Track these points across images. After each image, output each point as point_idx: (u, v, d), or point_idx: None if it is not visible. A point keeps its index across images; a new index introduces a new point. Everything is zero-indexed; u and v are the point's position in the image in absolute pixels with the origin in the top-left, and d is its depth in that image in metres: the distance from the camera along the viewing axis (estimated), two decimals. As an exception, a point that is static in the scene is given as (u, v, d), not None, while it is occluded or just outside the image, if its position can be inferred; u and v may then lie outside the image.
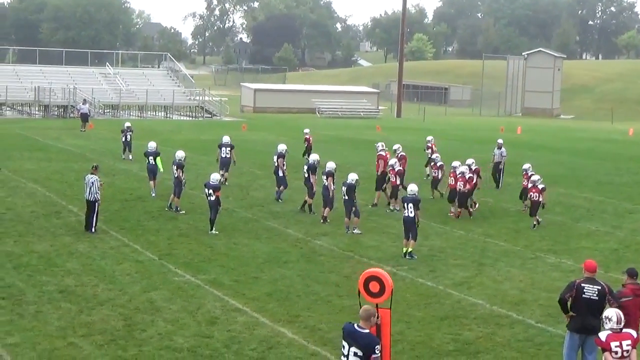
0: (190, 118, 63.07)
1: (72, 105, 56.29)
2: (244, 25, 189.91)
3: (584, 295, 10.95)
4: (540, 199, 21.92)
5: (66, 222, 20.70)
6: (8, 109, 59.37)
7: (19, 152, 34.53)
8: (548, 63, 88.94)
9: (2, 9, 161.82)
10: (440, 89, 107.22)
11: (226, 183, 26.49)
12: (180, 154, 22.96)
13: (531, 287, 16.12)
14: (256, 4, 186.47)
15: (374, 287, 9.50)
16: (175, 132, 47.62)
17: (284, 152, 25.37)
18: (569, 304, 11.08)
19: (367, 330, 8.36)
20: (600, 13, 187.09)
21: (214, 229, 19.92)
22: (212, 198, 19.76)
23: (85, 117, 47.00)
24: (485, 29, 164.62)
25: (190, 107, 64.62)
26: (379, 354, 8.26)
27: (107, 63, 70.35)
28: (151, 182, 25.00)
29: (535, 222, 22.01)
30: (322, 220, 21.58)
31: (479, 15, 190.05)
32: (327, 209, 21.59)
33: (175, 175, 22.57)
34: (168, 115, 62.88)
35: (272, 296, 14.83)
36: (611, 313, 9.70)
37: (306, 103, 73.96)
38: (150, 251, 17.93)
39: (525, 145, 45.53)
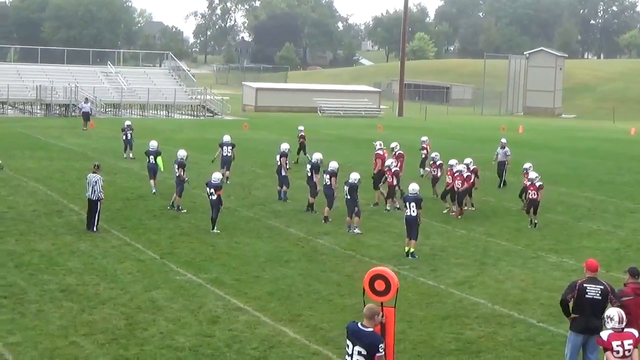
0: (192, 117, 63.01)
1: (73, 104, 56.17)
2: (246, 24, 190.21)
3: (587, 296, 10.90)
4: (537, 197, 21.89)
5: (68, 221, 20.70)
6: (10, 107, 59.23)
7: (20, 150, 34.50)
8: (550, 62, 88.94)
9: (4, 7, 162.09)
10: (441, 88, 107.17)
11: (228, 182, 26.50)
12: (182, 153, 22.98)
13: (533, 286, 16.10)
14: (258, 3, 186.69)
15: (380, 285, 9.50)
16: (176, 131, 47.56)
17: (286, 151, 25.38)
18: (570, 305, 11.04)
19: (371, 329, 8.34)
20: (602, 12, 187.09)
21: (215, 227, 19.92)
22: (214, 197, 19.76)
23: (86, 116, 46.99)
24: (486, 28, 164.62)
25: (191, 106, 64.58)
26: (383, 353, 8.24)
27: (109, 62, 70.24)
28: (151, 181, 25.05)
29: (533, 221, 21.90)
30: (323, 220, 21.58)
31: (480, 14, 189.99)
32: (327, 208, 21.59)
33: (177, 174, 22.58)
34: (170, 114, 62.84)
35: (273, 295, 14.82)
36: (613, 312, 9.69)
37: (308, 102, 73.93)
38: (152, 250, 17.93)
39: (527, 144, 45.46)
